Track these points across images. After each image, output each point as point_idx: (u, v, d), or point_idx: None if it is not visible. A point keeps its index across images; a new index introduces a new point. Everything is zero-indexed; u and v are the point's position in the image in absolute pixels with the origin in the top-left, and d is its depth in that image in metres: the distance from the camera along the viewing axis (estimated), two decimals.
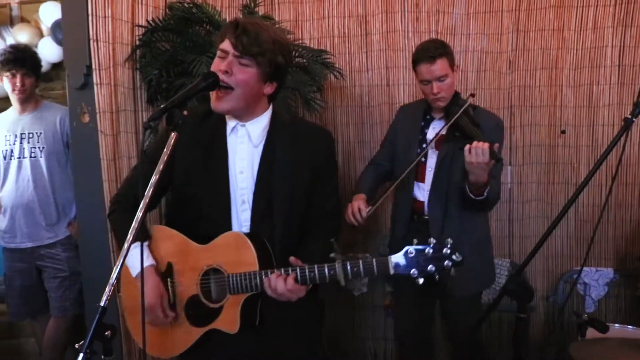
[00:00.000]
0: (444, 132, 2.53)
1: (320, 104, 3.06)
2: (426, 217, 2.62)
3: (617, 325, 2.50)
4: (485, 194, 2.40)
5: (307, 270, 1.63)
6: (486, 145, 2.23)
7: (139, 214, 1.48)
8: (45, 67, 3.68)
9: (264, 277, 1.66)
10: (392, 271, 1.56)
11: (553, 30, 3.22)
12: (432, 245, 1.54)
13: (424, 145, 2.59)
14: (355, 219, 2.51)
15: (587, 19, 3.18)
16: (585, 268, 3.28)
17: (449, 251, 1.54)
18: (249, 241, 1.71)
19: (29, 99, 3.14)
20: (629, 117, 1.67)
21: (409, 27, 3.28)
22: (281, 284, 1.63)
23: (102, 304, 1.44)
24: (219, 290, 1.76)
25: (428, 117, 2.68)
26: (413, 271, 1.54)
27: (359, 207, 2.52)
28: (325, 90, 3.29)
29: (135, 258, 1.75)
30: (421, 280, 1.54)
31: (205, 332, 1.78)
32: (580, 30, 3.20)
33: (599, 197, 3.29)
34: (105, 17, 2.56)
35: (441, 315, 2.92)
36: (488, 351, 3.01)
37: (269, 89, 1.76)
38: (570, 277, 3.33)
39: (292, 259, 1.68)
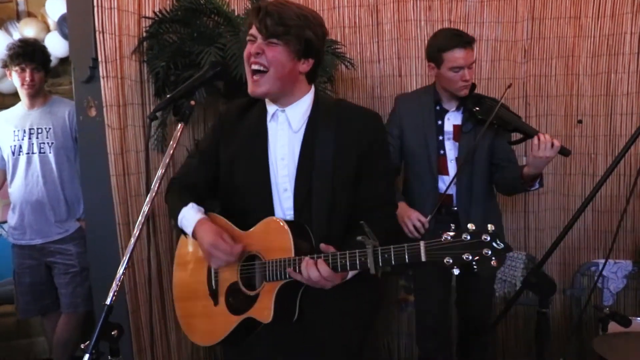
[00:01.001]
0: (456, 123, 2.59)
1: (331, 94, 3.00)
2: (455, 208, 2.60)
3: (639, 318, 2.43)
4: (537, 184, 2.46)
5: (338, 257, 1.55)
6: (557, 142, 2.30)
7: (146, 207, 1.46)
8: (52, 62, 3.65)
9: (297, 262, 1.60)
10: (423, 258, 1.43)
11: (569, 18, 3.14)
12: (470, 231, 1.39)
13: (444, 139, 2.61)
14: (419, 232, 2.49)
15: (604, 6, 3.09)
16: (603, 260, 3.21)
17: (488, 238, 1.38)
18: (286, 226, 1.65)
19: (37, 94, 3.10)
20: None
21: (422, 16, 3.21)
22: (313, 269, 1.56)
23: (108, 302, 1.40)
24: (258, 278, 1.72)
25: (438, 107, 2.63)
26: (447, 259, 1.39)
27: (418, 218, 2.50)
28: (336, 81, 3.24)
29: (190, 216, 1.74)
30: (457, 271, 1.39)
31: (244, 320, 1.73)
32: (598, 18, 3.11)
33: (617, 188, 3.21)
34: (111, 8, 2.51)
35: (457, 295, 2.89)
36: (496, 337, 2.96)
37: (304, 67, 1.72)
38: (588, 269, 3.26)
39: (322, 245, 1.61)
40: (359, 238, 1.49)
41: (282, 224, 1.66)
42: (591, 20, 3.11)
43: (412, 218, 2.51)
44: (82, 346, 1.37)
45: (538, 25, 3.17)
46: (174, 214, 1.81)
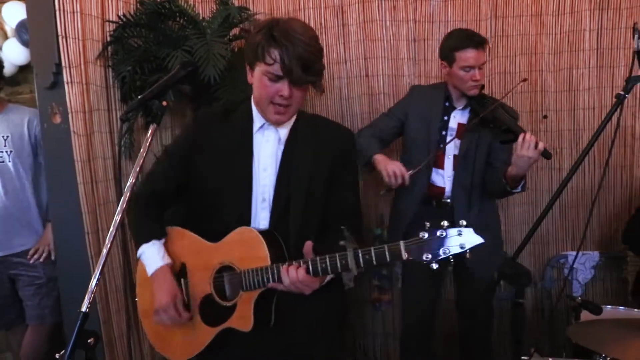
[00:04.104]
0: (462, 121, 2.68)
1: None
2: (447, 201, 2.68)
3: (609, 306, 2.49)
4: (519, 187, 2.52)
5: (318, 261, 1.57)
6: (542, 144, 2.35)
7: (117, 217, 1.43)
8: (11, 70, 3.55)
9: (275, 270, 1.61)
10: (404, 257, 1.46)
11: (531, 16, 3.20)
12: (445, 227, 1.45)
13: (449, 135, 2.68)
14: (397, 180, 2.50)
15: (564, 3, 3.17)
16: (571, 252, 3.29)
17: (462, 233, 1.44)
18: (260, 236, 1.66)
19: None
20: (622, 92, 1.64)
21: (387, 16, 3.23)
22: (293, 274, 1.58)
23: (83, 309, 1.36)
24: (233, 288, 1.72)
25: (447, 104, 2.72)
26: (426, 256, 1.44)
27: (400, 168, 2.51)
28: None
29: (151, 256, 1.77)
30: (435, 266, 1.45)
31: (221, 331, 1.73)
32: (558, 15, 3.18)
33: (582, 182, 3.30)
34: (73, 12, 2.46)
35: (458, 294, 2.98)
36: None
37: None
38: (557, 262, 3.33)
39: (307, 245, 1.62)
40: (342, 242, 1.52)
41: (256, 233, 1.68)
42: (552, 18, 3.18)
43: (388, 166, 2.53)
44: (57, 356, 1.33)
45: (501, 23, 3.22)
46: (136, 239, 1.84)
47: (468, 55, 2.54)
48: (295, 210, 1.73)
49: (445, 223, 1.45)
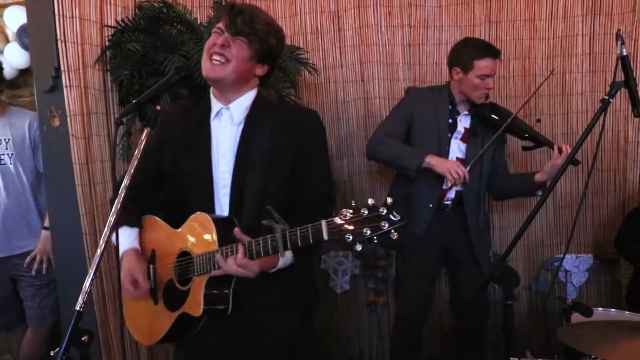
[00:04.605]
0: (466, 126, 2.82)
1: (295, 100, 3.04)
2: (447, 203, 2.80)
3: (600, 308, 2.52)
4: (540, 191, 2.70)
5: (253, 244, 1.56)
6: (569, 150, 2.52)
7: (112, 217, 1.46)
8: (12, 73, 3.59)
9: (216, 254, 1.62)
10: (325, 236, 1.40)
11: (524, 21, 3.25)
12: (368, 206, 1.36)
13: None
14: (460, 179, 2.60)
15: (557, 8, 3.21)
16: (567, 255, 3.31)
17: (385, 210, 1.35)
18: (210, 220, 1.68)
19: None
20: (606, 97, 1.68)
21: (382, 21, 3.28)
22: (229, 261, 1.59)
23: (77, 308, 1.39)
24: (190, 273, 1.74)
25: (451, 107, 2.78)
26: (348, 235, 1.36)
27: (460, 167, 2.60)
28: (299, 86, 3.27)
29: (121, 241, 1.75)
30: (359, 247, 1.36)
31: (180, 316, 1.75)
32: (551, 20, 3.23)
33: (575, 184, 3.33)
34: (72, 17, 2.50)
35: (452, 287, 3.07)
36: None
37: (260, 70, 1.80)
38: (551, 264, 3.35)
39: (236, 231, 1.62)
40: (265, 222, 1.51)
41: (206, 217, 1.69)
42: (545, 23, 3.23)
43: (450, 166, 2.60)
44: (52, 353, 1.36)
45: (495, 28, 3.26)
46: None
47: (487, 65, 2.64)
48: (249, 198, 1.74)
49: (371, 201, 1.37)
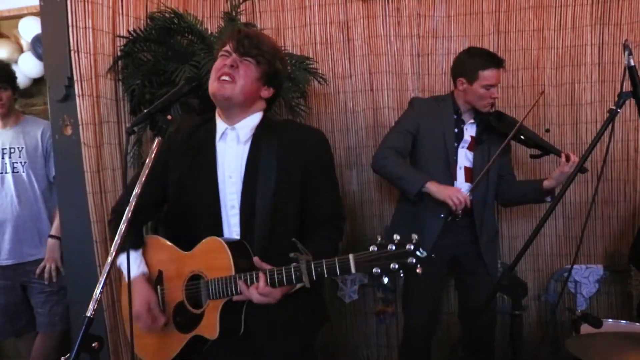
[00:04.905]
0: (472, 134, 2.83)
1: (305, 109, 3.06)
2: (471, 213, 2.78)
3: (610, 320, 2.50)
4: (549, 197, 2.73)
5: (275, 273, 1.61)
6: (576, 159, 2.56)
7: (122, 226, 1.47)
8: (26, 82, 3.65)
9: (239, 280, 1.65)
10: (353, 270, 1.49)
11: (533, 31, 3.25)
12: (395, 241, 1.45)
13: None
14: (461, 205, 2.60)
15: (566, 19, 3.22)
16: (575, 266, 3.29)
17: (412, 247, 1.44)
18: (225, 245, 1.70)
19: (9, 114, 3.09)
20: (614, 108, 1.68)
21: (391, 31, 3.30)
22: (252, 290, 1.63)
23: (88, 314, 1.41)
24: (202, 296, 1.76)
25: (455, 117, 2.80)
26: (376, 270, 1.45)
27: (461, 194, 2.61)
28: (309, 96, 3.30)
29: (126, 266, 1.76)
30: (386, 280, 1.46)
31: (193, 338, 1.77)
32: (560, 30, 3.23)
33: (585, 194, 3.32)
34: (85, 27, 2.53)
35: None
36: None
37: (266, 93, 1.83)
38: (561, 275, 3.33)
39: (256, 260, 1.66)
40: (292, 255, 1.56)
41: (221, 243, 1.71)
42: (554, 33, 3.23)
43: (452, 194, 2.60)
44: (63, 359, 1.38)
45: (504, 38, 3.27)
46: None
47: (491, 75, 2.66)
48: (260, 219, 1.76)
49: (397, 236, 1.46)
